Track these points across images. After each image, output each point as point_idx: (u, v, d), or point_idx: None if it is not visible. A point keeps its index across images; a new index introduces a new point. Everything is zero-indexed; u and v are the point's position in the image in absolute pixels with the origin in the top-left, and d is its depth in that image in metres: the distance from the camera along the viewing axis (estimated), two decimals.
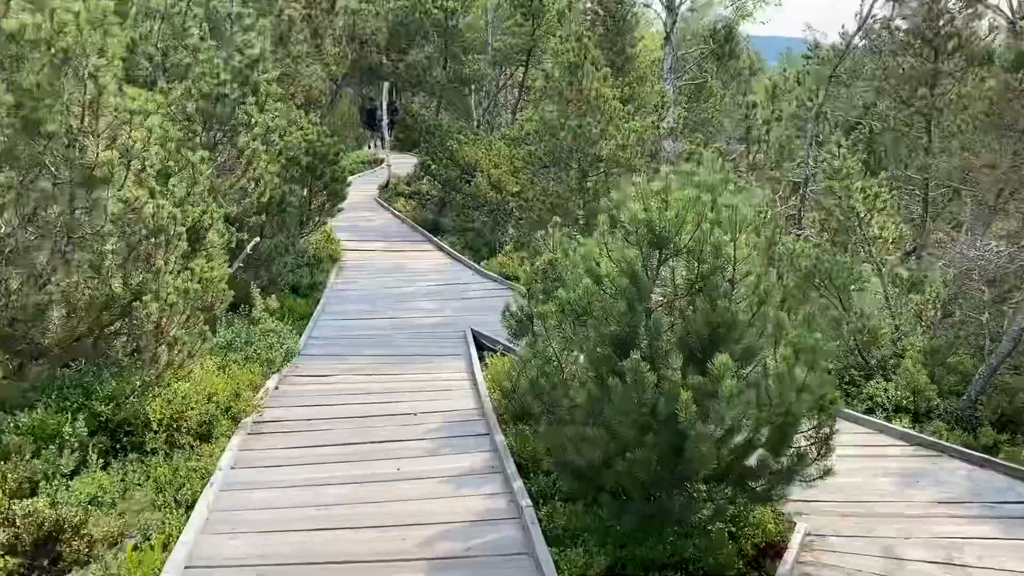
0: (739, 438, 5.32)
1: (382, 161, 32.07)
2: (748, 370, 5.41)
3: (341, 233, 17.16)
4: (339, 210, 14.59)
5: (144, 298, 6.03)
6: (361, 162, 31.70)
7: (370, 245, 17.21)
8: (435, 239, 17.83)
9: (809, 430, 5.52)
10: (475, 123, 24.50)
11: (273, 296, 9.76)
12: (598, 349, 5.49)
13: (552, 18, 21.96)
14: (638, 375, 5.04)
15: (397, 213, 20.81)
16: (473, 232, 18.58)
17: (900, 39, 15.57)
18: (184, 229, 6.40)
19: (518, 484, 6.22)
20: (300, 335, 11.14)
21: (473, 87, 24.35)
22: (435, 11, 21.84)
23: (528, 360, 6.35)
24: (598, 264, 5.65)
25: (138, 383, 6.22)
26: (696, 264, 5.50)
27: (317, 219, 14.42)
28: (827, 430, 5.53)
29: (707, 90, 22.27)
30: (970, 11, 15.27)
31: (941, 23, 15.23)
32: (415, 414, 7.80)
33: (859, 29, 15.04)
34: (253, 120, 7.99)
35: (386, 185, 24.30)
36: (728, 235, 5.34)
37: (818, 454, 5.50)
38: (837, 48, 19.58)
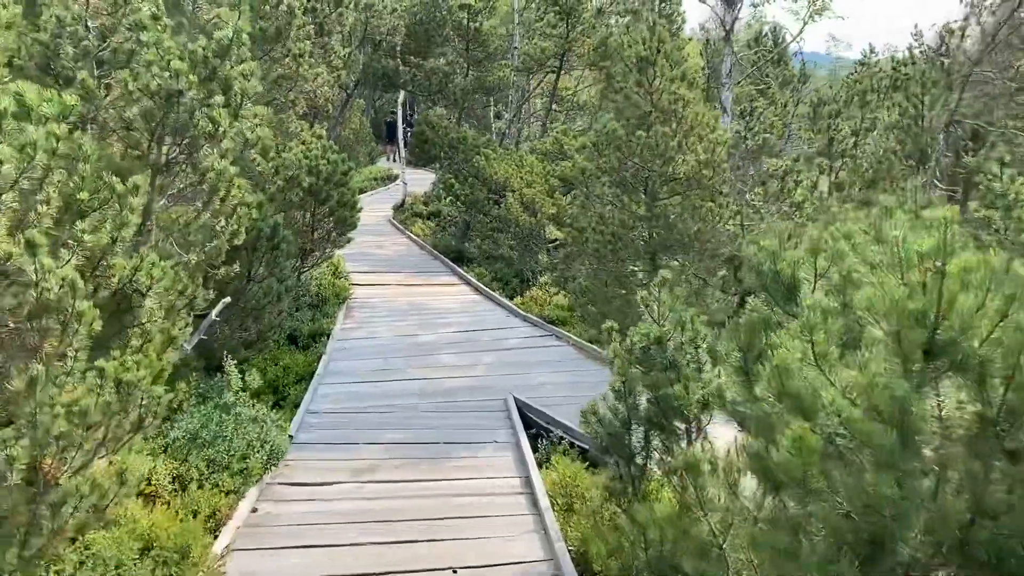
0: None
1: (396, 177, 29.75)
2: None
3: (350, 263, 14.70)
4: (348, 240, 12.11)
5: (8, 428, 3.54)
6: (373, 179, 29.40)
7: (384, 278, 14.72)
8: (459, 270, 15.32)
9: None
10: (498, 136, 22.06)
11: (254, 372, 7.29)
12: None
13: (589, 18, 19.55)
14: None
15: (414, 238, 18.34)
16: (502, 261, 16.09)
17: None
18: (90, 304, 3.91)
19: None
20: (296, 408, 8.65)
21: (495, 97, 21.92)
22: (457, 11, 19.49)
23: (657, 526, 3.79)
24: (810, 390, 3.07)
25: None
26: (1003, 390, 2.93)
27: (321, 252, 11.95)
28: None
29: (768, 97, 19.84)
30: None
31: None
32: (455, 572, 5.21)
33: (1008, 18, 12.47)
34: (221, 129, 5.49)
35: (401, 205, 21.89)
36: None
37: None
38: (929, 51, 17.00)
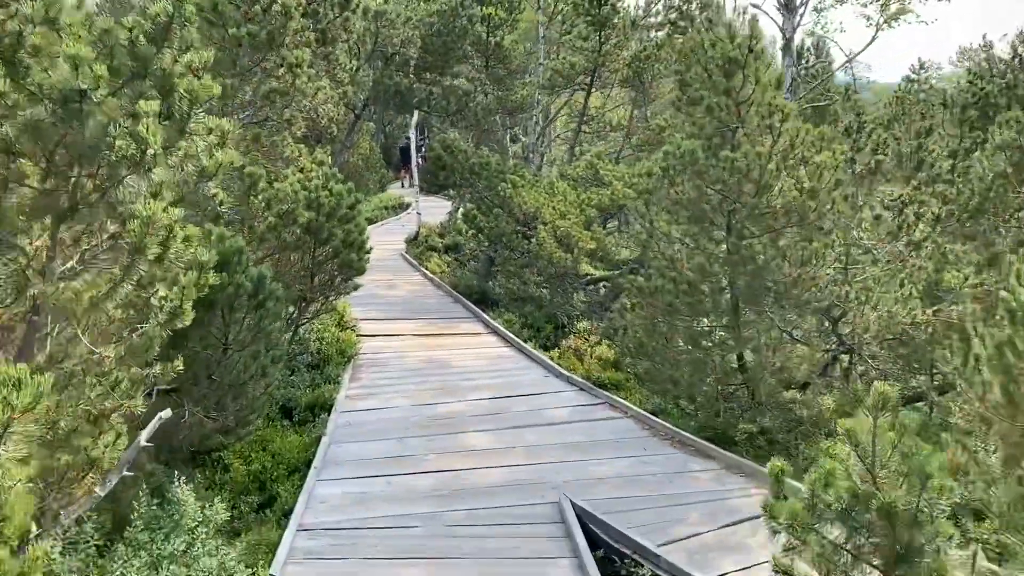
0: None
1: (408, 206, 27.82)
2: None
3: (358, 308, 12.64)
4: (354, 288, 10.04)
5: None
6: (384, 207, 27.49)
7: (397, 326, 12.63)
8: (484, 315, 13.21)
9: None
10: (521, 159, 20.09)
11: (235, 465, 5.20)
12: None
13: (624, 28, 17.62)
14: None
15: (430, 275, 16.29)
16: (532, 303, 14.01)
17: None
18: None
19: None
20: (286, 518, 6.54)
21: (517, 118, 20.00)
22: (477, 25, 17.62)
23: None
24: None
25: None
26: None
27: (323, 301, 9.90)
28: None
29: (830, 113, 17.85)
30: None
31: None
32: None
33: None
34: (151, 152, 3.44)
35: (415, 237, 19.89)
36: None
37: None
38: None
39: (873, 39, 16.11)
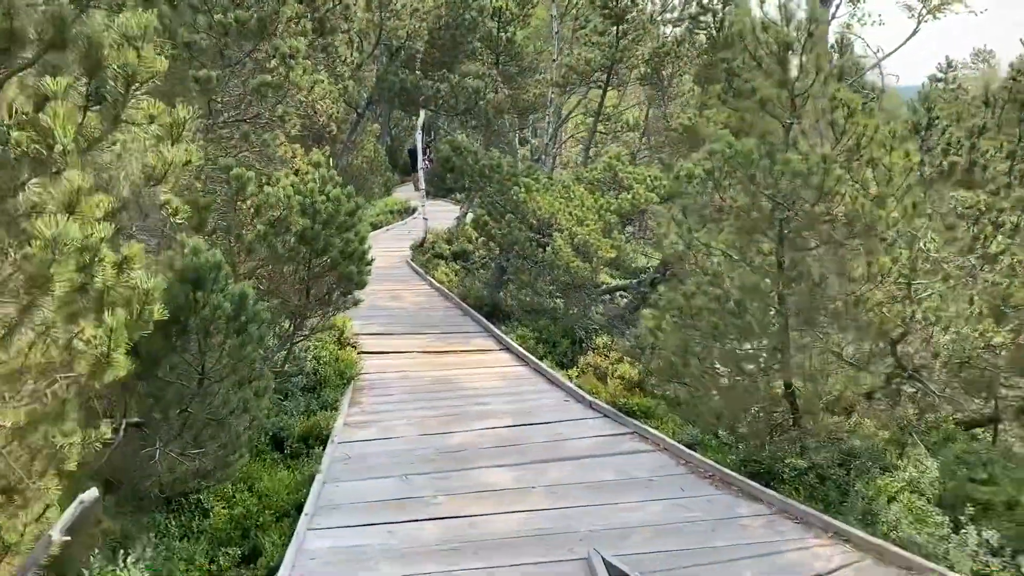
0: None
1: (414, 210, 26.89)
2: None
3: (359, 321, 11.69)
4: (355, 302, 9.09)
5: None
6: (389, 211, 26.56)
7: (401, 342, 11.67)
8: (496, 330, 12.23)
9: None
10: (531, 161, 19.11)
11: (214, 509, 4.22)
12: None
13: (643, 23, 16.63)
14: None
15: (438, 285, 15.33)
16: (546, 315, 13.03)
17: None
18: None
19: None
20: None
21: (529, 117, 19.04)
22: (487, 20, 16.73)
23: None
24: None
25: None
26: None
27: (321, 317, 8.95)
28: None
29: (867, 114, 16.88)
30: None
31: None
32: None
33: None
34: (60, 146, 2.46)
35: (421, 243, 18.93)
36: None
37: None
38: None
39: (915, 32, 15.05)
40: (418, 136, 19.79)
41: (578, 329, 12.63)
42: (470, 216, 20.64)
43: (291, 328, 8.79)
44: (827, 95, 6.28)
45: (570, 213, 13.00)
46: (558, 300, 12.79)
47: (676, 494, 7.08)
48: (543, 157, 18.97)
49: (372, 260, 8.92)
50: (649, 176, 14.05)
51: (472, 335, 12.09)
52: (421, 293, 14.97)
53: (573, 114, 19.81)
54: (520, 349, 11.21)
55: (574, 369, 10.97)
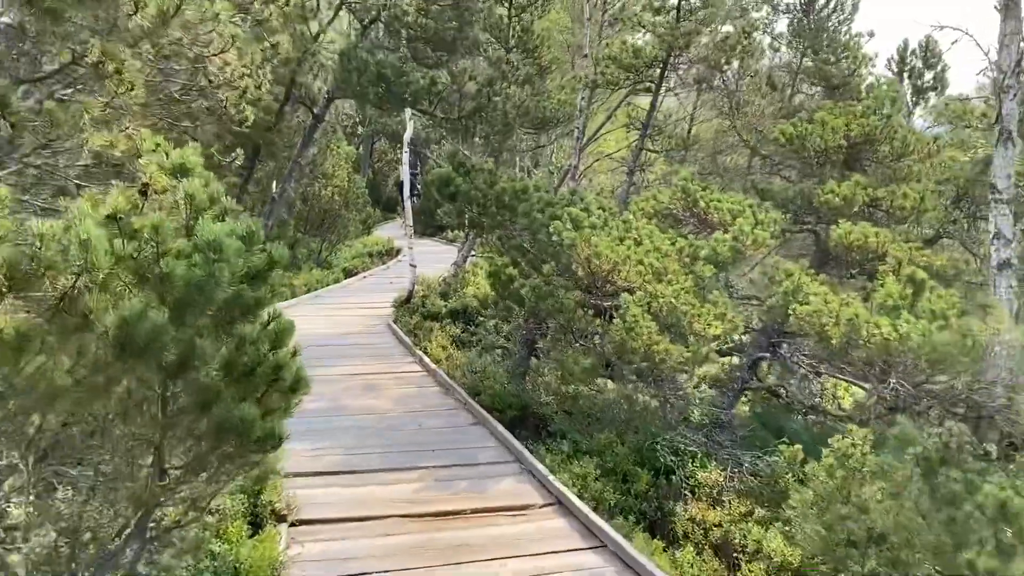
0: None
1: (398, 252, 22.12)
2: None
3: (304, 444, 6.83)
4: (262, 476, 4.17)
5: None
6: (368, 254, 21.79)
7: (378, 493, 6.69)
8: (534, 460, 7.30)
9: None
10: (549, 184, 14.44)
11: None
12: None
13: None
14: None
15: (432, 365, 10.45)
16: (605, 425, 8.23)
17: None
18: None
19: None
20: None
21: (552, 130, 14.45)
22: (495, 6, 12.36)
23: None
24: None
25: None
26: None
27: (193, 511, 4.04)
28: None
29: None
30: None
31: None
32: None
33: None
34: None
35: (408, 298, 14.10)
36: None
37: None
38: None
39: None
40: (404, 158, 15.08)
41: (663, 450, 7.79)
42: (476, 260, 15.91)
43: (124, 540, 3.90)
44: None
45: (641, 262, 8.26)
46: (633, 403, 8.00)
47: None
48: (567, 182, 14.33)
49: (302, 383, 4.05)
50: (750, 206, 9.40)
51: (496, 474, 7.14)
52: (408, 380, 10.06)
53: (605, 128, 15.27)
54: (586, 511, 6.31)
55: (686, 549, 6.13)
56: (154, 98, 4.81)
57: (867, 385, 9.83)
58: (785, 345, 10.24)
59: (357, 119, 36.20)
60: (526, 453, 7.40)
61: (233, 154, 6.30)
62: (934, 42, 18.80)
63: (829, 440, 6.05)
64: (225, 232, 3.85)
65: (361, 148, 36.09)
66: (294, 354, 4.17)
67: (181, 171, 4.19)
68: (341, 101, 38.70)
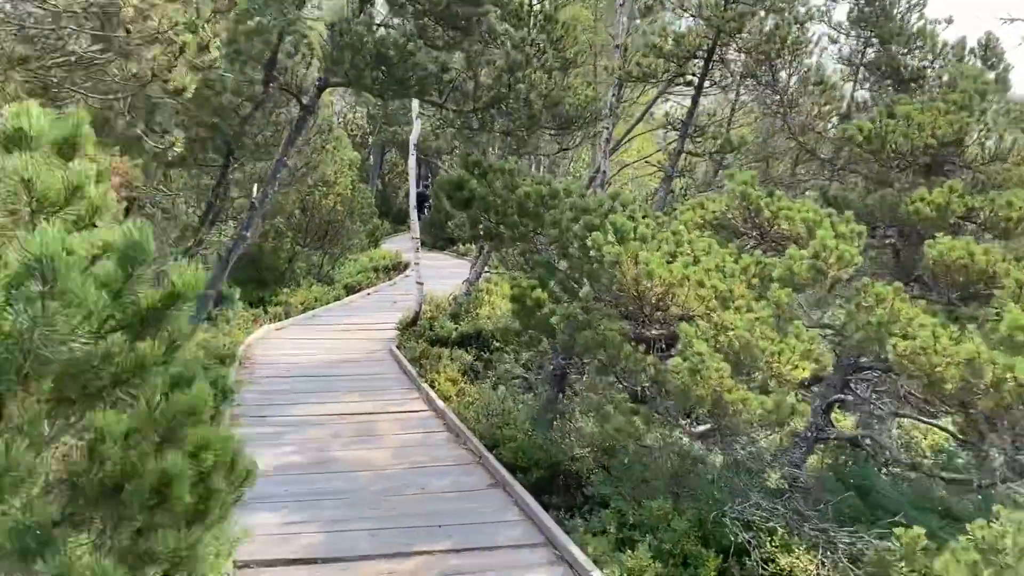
0: None
1: (406, 266, 20.53)
2: None
3: (269, 515, 5.15)
4: None
5: None
6: (373, 269, 20.23)
7: None
8: (571, 547, 5.60)
9: None
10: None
11: None
12: None
13: None
14: None
15: (440, 404, 8.78)
16: (662, 495, 6.53)
17: None
18: None
19: None
20: None
21: (577, 131, 12.85)
22: None
23: None
24: None
25: None
26: None
27: None
28: None
29: None
30: None
31: None
32: None
33: None
34: None
35: (414, 320, 12.47)
36: None
37: None
38: None
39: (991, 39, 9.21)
40: (411, 162, 13.50)
41: (732, 524, 6.08)
42: (484, 277, 14.30)
43: None
44: None
45: (702, 283, 6.59)
46: (698, 459, 6.32)
47: None
48: (595, 188, 12.70)
49: (246, 486, 2.42)
50: (828, 216, 7.72)
51: (523, 562, 5.43)
52: (411, 423, 8.39)
53: (636, 130, 13.65)
54: None
55: None
56: (35, 50, 3.25)
57: (949, 425, 8.13)
58: (863, 384, 8.56)
59: (368, 129, 34.78)
60: (559, 533, 5.70)
61: (170, 138, 4.71)
62: (995, 39, 17.11)
63: (961, 517, 4.39)
64: (78, 246, 2.27)
65: (371, 158, 34.66)
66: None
67: (68, 146, 2.65)
68: (349, 109, 37.20)
